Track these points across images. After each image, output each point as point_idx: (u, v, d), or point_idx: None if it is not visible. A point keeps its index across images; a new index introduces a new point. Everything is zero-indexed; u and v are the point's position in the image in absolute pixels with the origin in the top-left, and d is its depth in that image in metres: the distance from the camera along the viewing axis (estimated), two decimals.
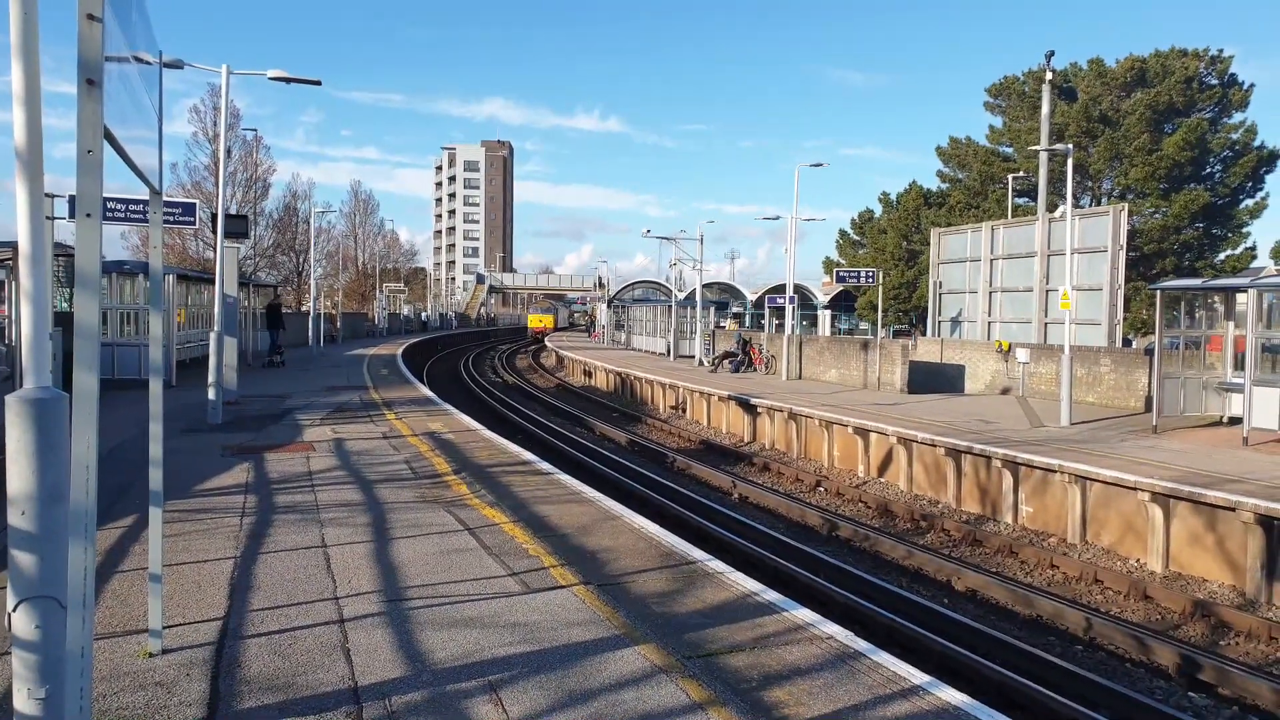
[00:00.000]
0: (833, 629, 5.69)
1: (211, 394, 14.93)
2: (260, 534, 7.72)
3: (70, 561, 3.16)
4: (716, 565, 7.05)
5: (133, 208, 16.46)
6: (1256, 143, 41.86)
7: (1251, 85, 42.61)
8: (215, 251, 18.85)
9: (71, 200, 16.30)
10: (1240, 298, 17.32)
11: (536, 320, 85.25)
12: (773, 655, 5.20)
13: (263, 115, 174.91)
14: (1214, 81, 42.66)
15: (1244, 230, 42.34)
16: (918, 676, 5.01)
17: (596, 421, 25.80)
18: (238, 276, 20.18)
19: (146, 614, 5.17)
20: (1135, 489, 12.03)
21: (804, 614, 5.94)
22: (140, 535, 7.45)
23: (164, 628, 5.08)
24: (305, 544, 7.40)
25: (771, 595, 6.32)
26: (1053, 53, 29.63)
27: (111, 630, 5.30)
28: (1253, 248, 42.45)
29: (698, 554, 7.40)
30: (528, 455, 12.63)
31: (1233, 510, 10.81)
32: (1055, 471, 13.33)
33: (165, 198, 4.30)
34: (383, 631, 5.43)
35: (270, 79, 16.74)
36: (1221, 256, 42.04)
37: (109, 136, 3.16)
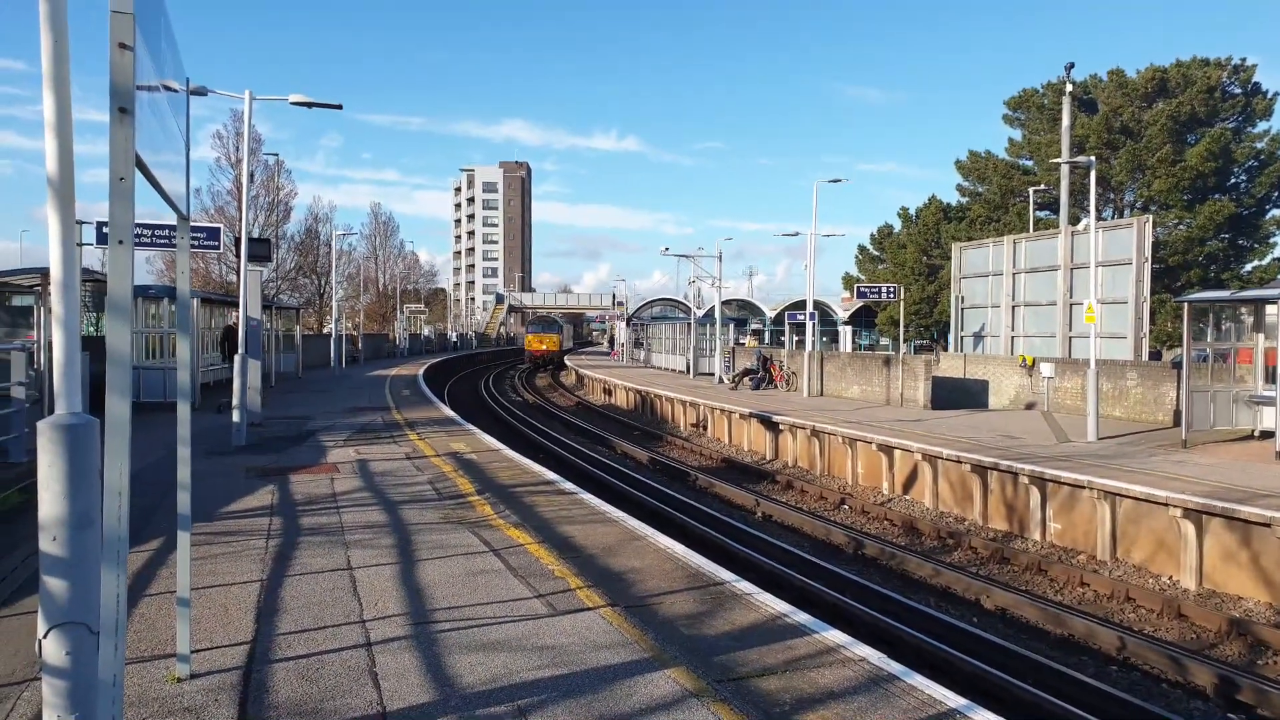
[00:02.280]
0: (865, 651, 5.61)
1: (235, 416, 15.01)
2: (286, 556, 7.72)
3: (103, 588, 3.15)
4: (745, 586, 6.97)
5: (159, 233, 16.68)
6: None
7: (1276, 94, 42.26)
8: (238, 275, 19.02)
9: (99, 226, 16.53)
10: (1270, 309, 17.08)
11: (535, 341, 64.51)
12: (805, 678, 5.12)
13: (283, 139, 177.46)
14: (1237, 90, 42.34)
15: (1271, 241, 41.96)
16: (953, 699, 4.91)
17: (618, 440, 25.75)
18: (260, 299, 20.36)
19: (174, 638, 5.15)
20: (1167, 505, 11.84)
21: (835, 636, 5.86)
22: (166, 559, 7.47)
23: (192, 652, 5.06)
24: (331, 566, 7.39)
25: (802, 617, 6.24)
26: (1072, 65, 29.52)
27: (139, 655, 5.30)
28: None
29: (725, 574, 7.32)
30: (551, 475, 12.60)
31: (1268, 526, 10.61)
32: (1084, 488, 13.14)
33: (190, 223, 4.34)
34: (410, 655, 5.39)
35: (292, 104, 16.92)
36: (1248, 268, 41.60)
37: (139, 163, 3.17)
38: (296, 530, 8.80)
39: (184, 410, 4.77)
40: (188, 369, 4.83)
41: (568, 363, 59.28)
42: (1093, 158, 20.15)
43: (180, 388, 4.72)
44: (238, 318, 24.46)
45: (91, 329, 23.67)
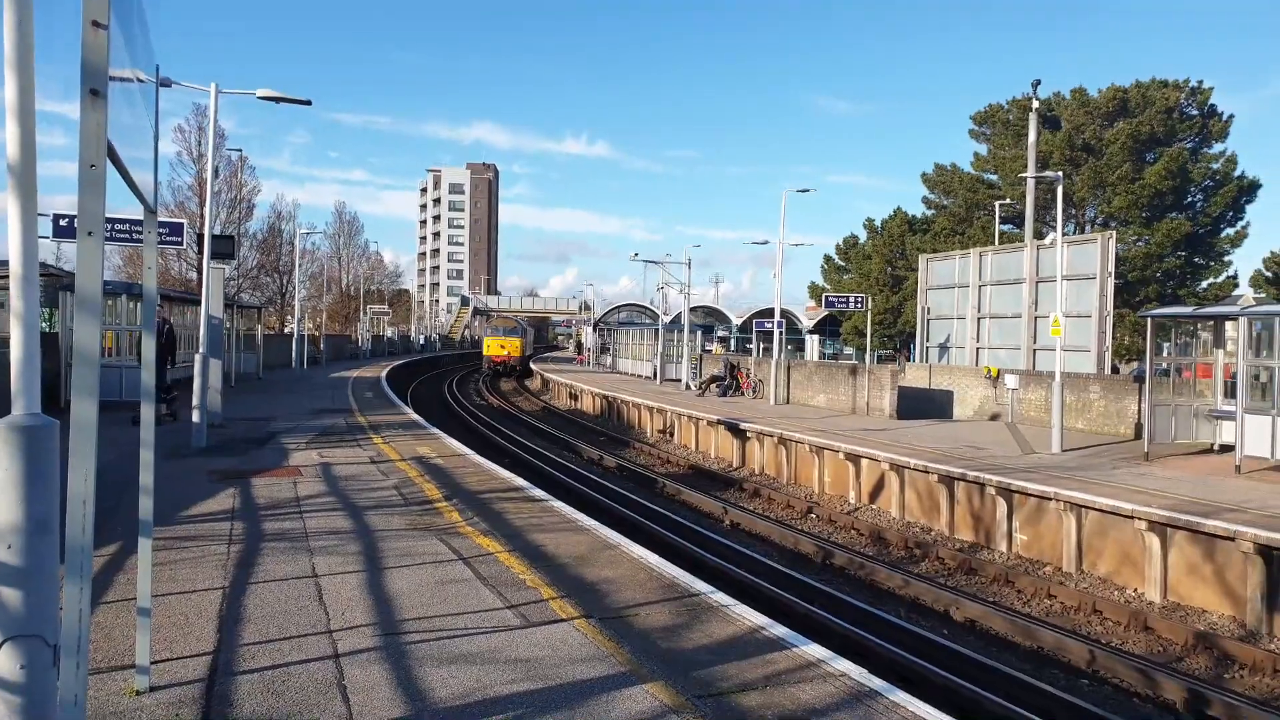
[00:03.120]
0: (845, 665, 5.53)
1: (196, 417, 14.64)
2: (249, 563, 7.49)
3: (65, 601, 2.96)
4: (721, 598, 6.87)
5: (119, 227, 16.24)
6: (1237, 173, 42.47)
7: (1231, 116, 43.29)
8: (199, 272, 18.60)
9: (56, 219, 16.05)
10: (1229, 325, 17.39)
11: (495, 345, 57.50)
12: (786, 694, 5.03)
13: (249, 136, 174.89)
14: (1194, 112, 43.28)
15: (1225, 259, 42.84)
16: (934, 715, 4.84)
17: (584, 445, 25.58)
18: (223, 298, 19.93)
19: (133, 648, 4.94)
20: (1132, 517, 11.94)
21: (815, 650, 5.77)
22: (125, 565, 7.20)
23: (151, 663, 4.85)
24: (296, 574, 7.17)
25: (780, 630, 6.15)
26: (1039, 81, 30.06)
27: (96, 666, 5.06)
28: (1234, 276, 43.00)
29: (701, 585, 7.22)
30: (519, 481, 12.42)
31: (1232, 540, 10.72)
32: (1050, 499, 13.22)
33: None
34: (380, 667, 5.21)
35: (259, 98, 16.58)
36: (1204, 284, 42.48)
37: (110, 151, 3.00)
38: (259, 535, 8.55)
39: (147, 412, 4.56)
40: (153, 369, 4.64)
41: (532, 368, 56.87)
42: (1060, 173, 20.40)
43: (144, 388, 4.52)
44: (170, 312, 23.45)
45: (44, 325, 22.99)
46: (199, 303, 17.80)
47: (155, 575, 6.38)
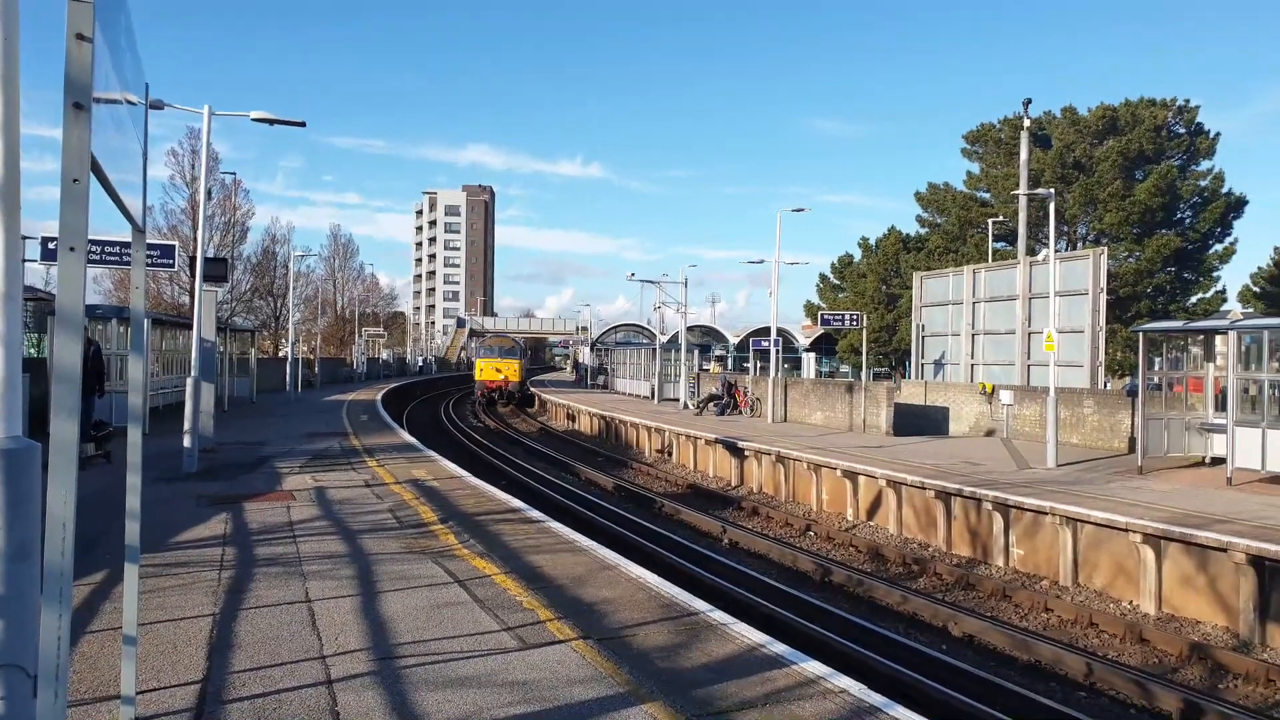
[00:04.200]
0: (845, 682, 5.45)
1: (187, 441, 14.53)
2: (240, 589, 7.38)
3: (43, 628, 2.89)
4: (720, 616, 6.79)
5: (109, 249, 16.16)
6: (1225, 189, 42.74)
7: (1217, 134, 43.63)
8: (191, 295, 18.54)
9: (44, 241, 15.98)
10: (1219, 339, 17.43)
11: (489, 369, 49.15)
12: (786, 711, 4.95)
13: (243, 159, 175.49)
14: (1181, 130, 43.63)
15: (1214, 274, 43.05)
16: None
17: (582, 466, 25.48)
18: (215, 321, 19.86)
19: (118, 678, 4.83)
20: (1127, 530, 11.91)
21: (815, 667, 5.70)
22: (111, 592, 7.10)
23: (138, 693, 4.75)
24: (288, 599, 7.07)
25: (779, 648, 6.07)
26: (1030, 100, 30.26)
27: (80, 696, 4.96)
28: (1223, 291, 43.20)
29: (700, 604, 7.13)
30: (516, 502, 12.33)
31: (1224, 551, 10.70)
32: (1046, 514, 13.18)
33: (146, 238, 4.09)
34: (374, 693, 5.12)
35: (254, 120, 16.56)
36: (1193, 299, 42.64)
37: (94, 166, 2.95)
38: (251, 561, 8.45)
39: (135, 435, 4.49)
40: (140, 392, 4.58)
41: (532, 392, 51.86)
42: (1052, 191, 20.48)
43: (132, 411, 4.45)
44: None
45: (32, 350, 22.85)
46: (191, 326, 17.72)
47: (144, 602, 6.29)
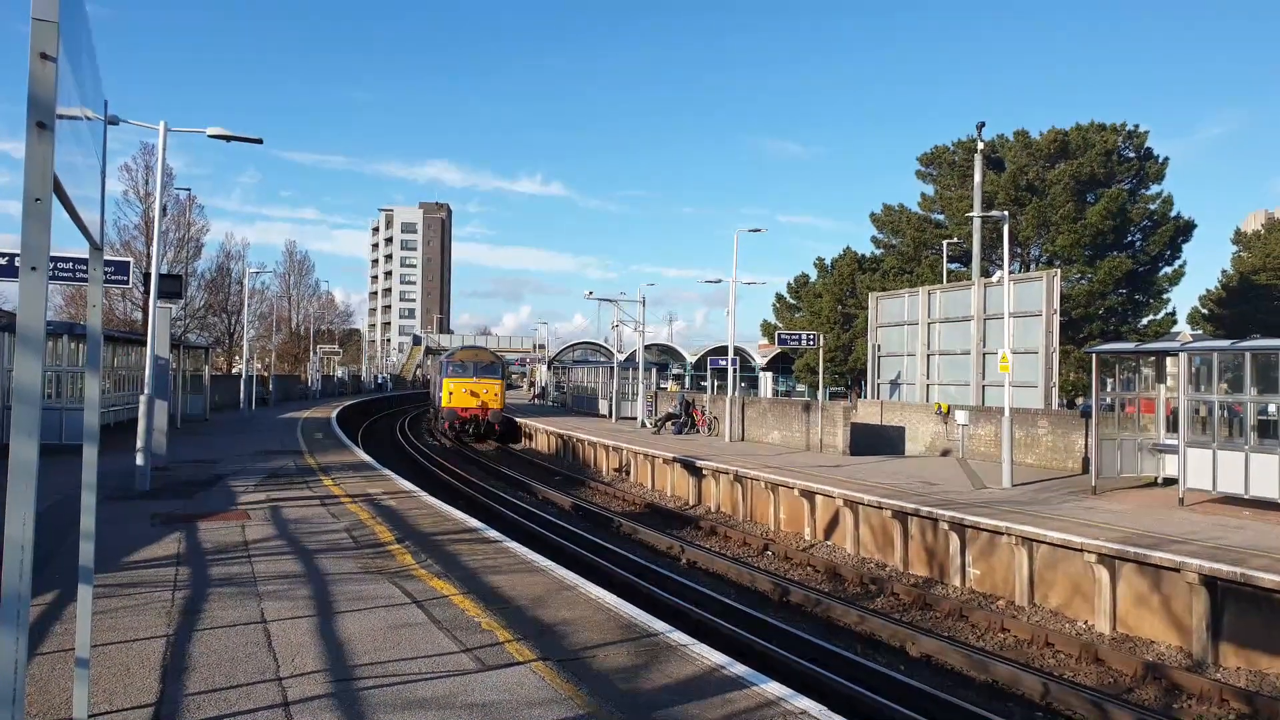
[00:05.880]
0: (805, 703, 5.49)
1: (140, 459, 14.25)
2: (195, 609, 7.25)
3: (0, 652, 2.83)
4: (679, 637, 6.81)
5: (61, 265, 15.87)
6: (1173, 213, 43.97)
7: (1166, 159, 44.97)
8: (145, 312, 18.21)
9: (11, 259, 15.65)
10: (1170, 361, 17.86)
11: (461, 392, 37.17)
12: None
13: (199, 175, 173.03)
14: (1131, 155, 44.89)
15: (1164, 296, 44.17)
16: None
17: (539, 485, 25.35)
18: (169, 338, 19.52)
19: (69, 701, 4.74)
20: (1082, 551, 12.12)
21: (775, 688, 5.73)
22: (62, 614, 6.94)
23: (90, 717, 4.65)
24: (244, 619, 6.96)
25: (739, 669, 6.10)
26: (983, 124, 30.88)
27: None
28: (1173, 313, 44.36)
29: (660, 625, 7.15)
30: (474, 522, 12.25)
31: (1178, 571, 10.92)
32: (1002, 534, 13.38)
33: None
34: (331, 715, 5.06)
35: (210, 136, 16.38)
36: (1144, 321, 43.73)
37: (57, 187, 2.93)
38: (206, 581, 8.30)
39: (90, 454, 4.42)
40: (96, 410, 4.51)
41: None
42: (1006, 213, 20.94)
43: (87, 429, 4.38)
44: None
45: None
46: (144, 343, 17.40)
47: (96, 624, 6.15)
